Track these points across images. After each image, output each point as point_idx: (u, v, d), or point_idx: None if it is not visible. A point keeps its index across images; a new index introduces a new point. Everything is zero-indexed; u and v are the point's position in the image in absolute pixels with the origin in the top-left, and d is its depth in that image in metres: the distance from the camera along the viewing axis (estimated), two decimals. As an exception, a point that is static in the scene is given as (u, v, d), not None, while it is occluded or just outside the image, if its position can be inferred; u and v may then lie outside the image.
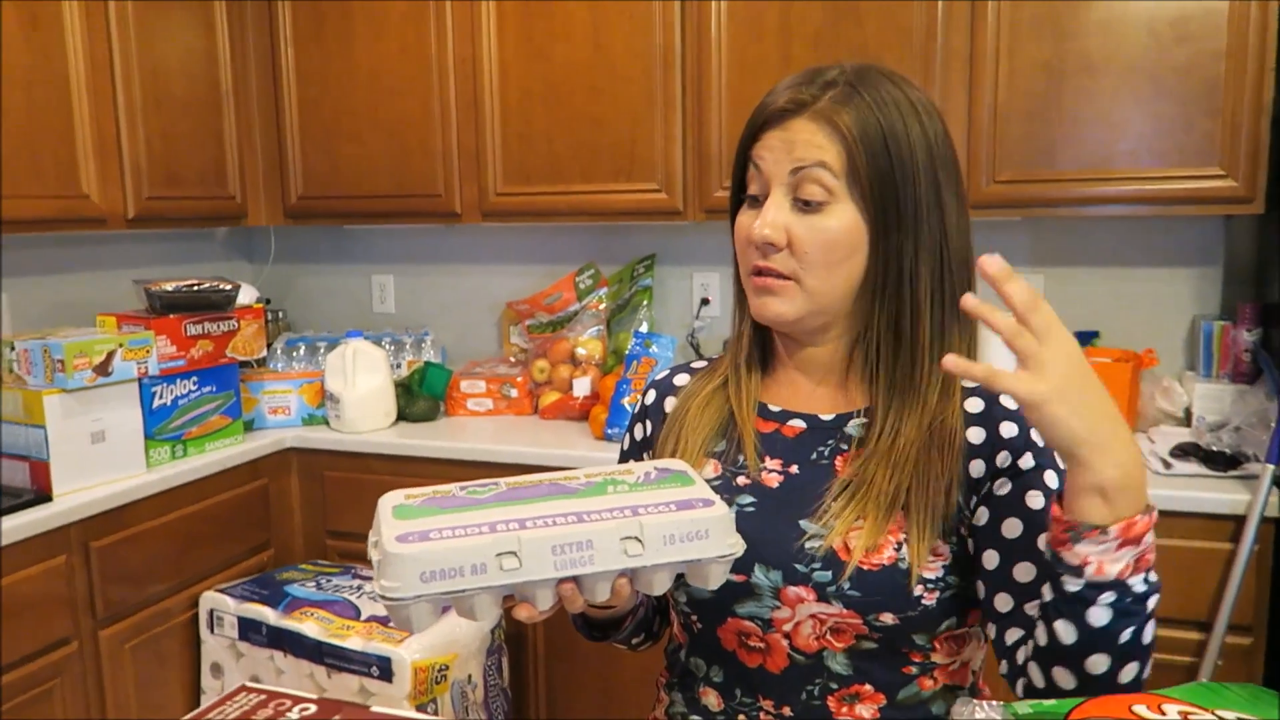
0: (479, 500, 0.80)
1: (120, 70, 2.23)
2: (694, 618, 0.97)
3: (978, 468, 0.91)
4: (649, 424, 1.08)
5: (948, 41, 2.07)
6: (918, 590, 0.87)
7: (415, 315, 2.98)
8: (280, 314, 2.96)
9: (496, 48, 2.41)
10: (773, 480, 0.95)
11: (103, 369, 1.96)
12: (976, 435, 0.92)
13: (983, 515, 0.90)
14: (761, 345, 1.02)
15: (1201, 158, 1.94)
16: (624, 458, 1.11)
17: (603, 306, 2.64)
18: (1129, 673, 0.78)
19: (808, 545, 0.89)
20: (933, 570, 0.88)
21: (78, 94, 2.13)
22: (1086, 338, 2.30)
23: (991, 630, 0.91)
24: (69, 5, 2.09)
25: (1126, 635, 0.76)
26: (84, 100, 2.15)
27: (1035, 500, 0.88)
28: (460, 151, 2.49)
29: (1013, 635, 0.88)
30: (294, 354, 2.67)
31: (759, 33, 2.20)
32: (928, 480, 0.89)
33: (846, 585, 0.87)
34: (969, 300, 0.75)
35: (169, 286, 2.19)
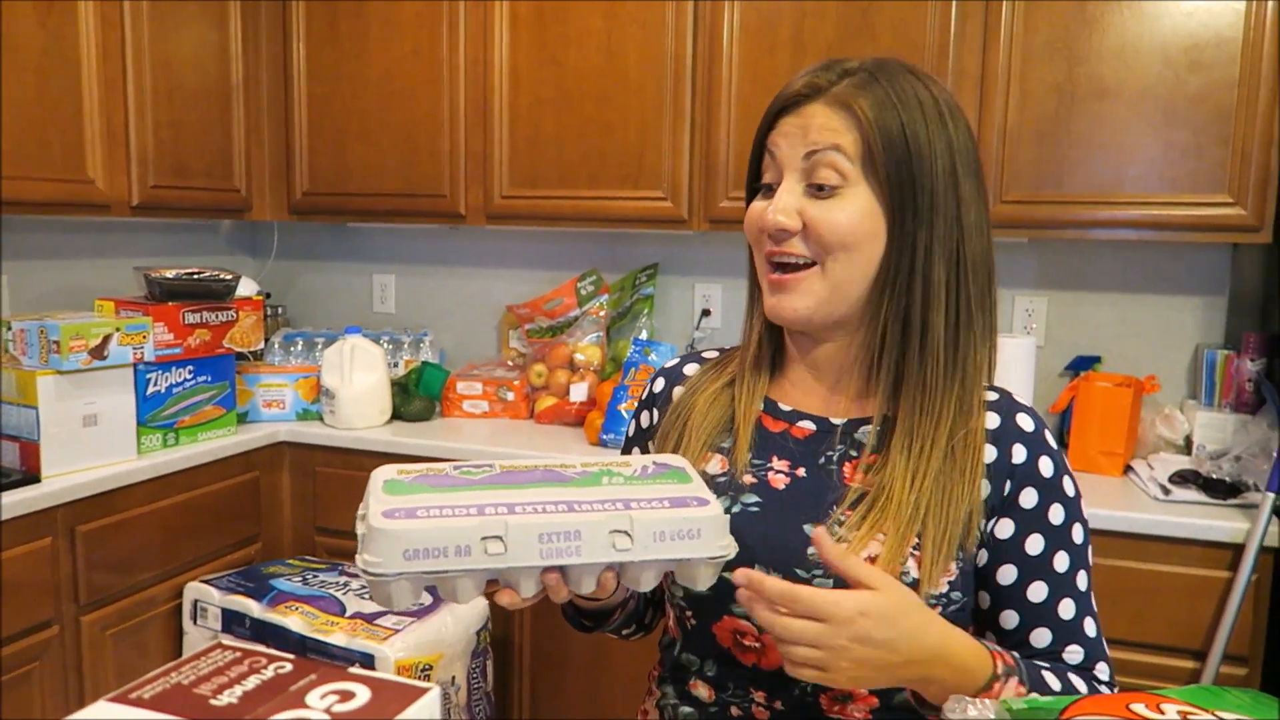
0: (471, 481, 0.79)
1: (132, 58, 2.23)
2: (689, 614, 0.95)
3: (983, 488, 0.89)
4: (655, 412, 1.06)
5: (959, 61, 2.07)
6: None
7: (415, 316, 2.97)
8: (280, 310, 2.95)
9: (508, 52, 2.42)
10: (779, 481, 0.93)
11: (98, 352, 1.94)
12: (989, 453, 0.90)
13: (981, 556, 0.90)
14: (774, 344, 1.00)
15: (1211, 185, 1.94)
16: (628, 444, 1.09)
17: (603, 313, 2.62)
18: None
19: (810, 552, 0.87)
20: (939, 587, 0.86)
21: (88, 80, 2.13)
22: (1089, 362, 2.29)
23: (991, 640, 0.89)
24: (84, -12, 2.10)
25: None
26: (94, 86, 2.14)
27: (1034, 546, 0.89)
28: (468, 154, 2.49)
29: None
30: (291, 349, 2.66)
31: (771, 45, 2.20)
32: (948, 501, 0.86)
33: None
34: (738, 576, 0.76)
35: (169, 274, 2.18)
